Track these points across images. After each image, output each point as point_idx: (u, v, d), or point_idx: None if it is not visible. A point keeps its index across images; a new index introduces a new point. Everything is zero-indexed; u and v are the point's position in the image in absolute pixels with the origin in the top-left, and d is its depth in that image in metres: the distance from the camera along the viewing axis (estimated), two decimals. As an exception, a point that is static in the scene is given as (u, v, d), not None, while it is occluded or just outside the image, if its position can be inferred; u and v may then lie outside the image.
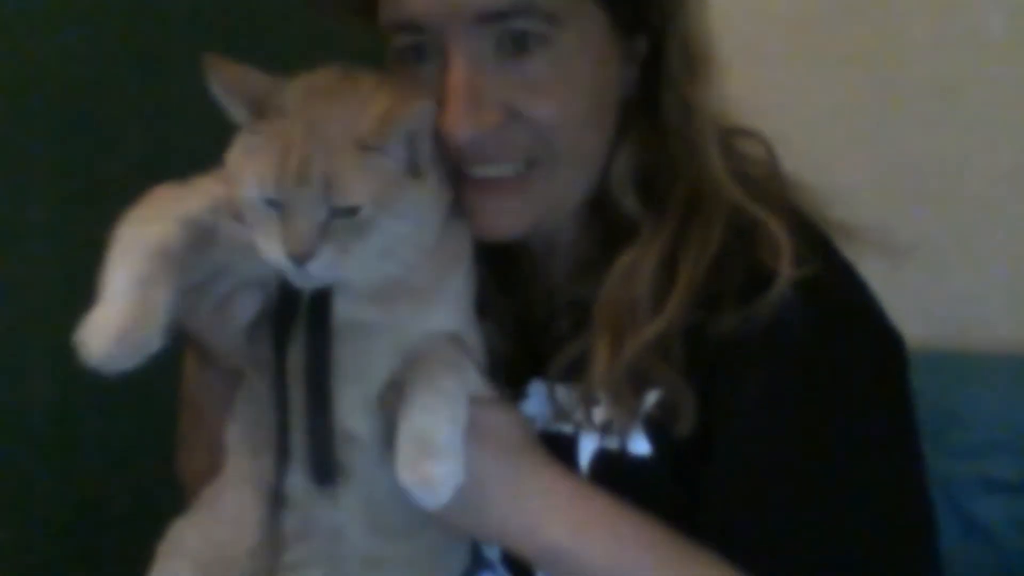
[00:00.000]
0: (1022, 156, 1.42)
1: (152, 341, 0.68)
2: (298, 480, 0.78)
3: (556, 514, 0.77)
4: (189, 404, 0.92)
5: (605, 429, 0.82)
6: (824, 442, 0.77)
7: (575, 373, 0.83)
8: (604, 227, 0.87)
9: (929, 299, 1.43)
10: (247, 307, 0.78)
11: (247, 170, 0.73)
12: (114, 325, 0.68)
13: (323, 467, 0.77)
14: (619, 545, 0.76)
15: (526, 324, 0.90)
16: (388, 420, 0.76)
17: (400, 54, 0.83)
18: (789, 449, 0.77)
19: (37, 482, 1.55)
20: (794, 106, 1.45)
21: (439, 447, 0.72)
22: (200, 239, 0.73)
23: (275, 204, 0.72)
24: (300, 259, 0.71)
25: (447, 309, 0.81)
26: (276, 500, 0.78)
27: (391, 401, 0.77)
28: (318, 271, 0.72)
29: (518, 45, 0.79)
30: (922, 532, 0.79)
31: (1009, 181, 1.43)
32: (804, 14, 1.53)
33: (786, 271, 0.77)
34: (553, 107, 0.80)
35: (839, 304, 0.80)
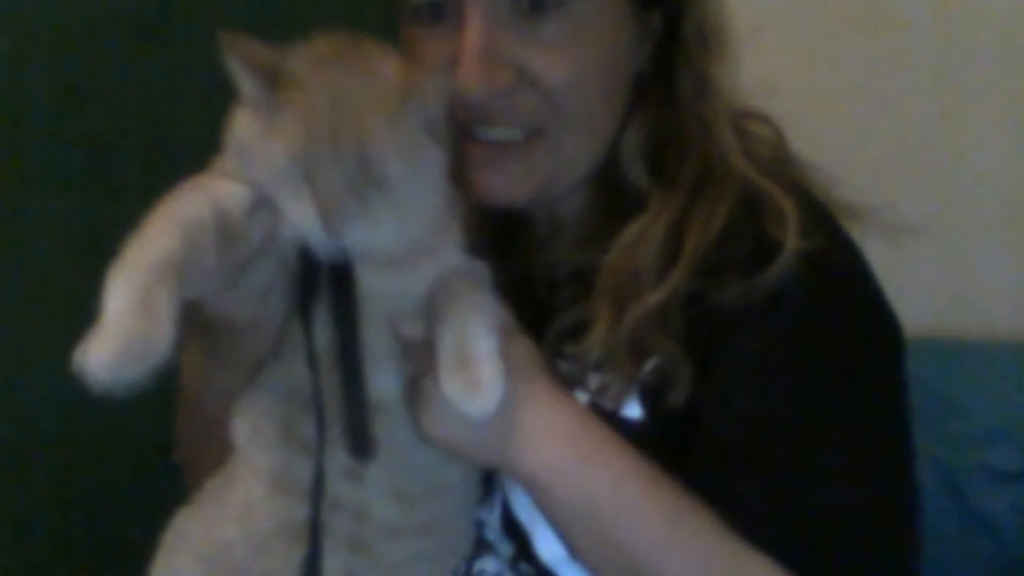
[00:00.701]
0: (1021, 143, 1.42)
1: (158, 350, 0.66)
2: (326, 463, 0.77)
3: (563, 436, 0.77)
4: (193, 406, 0.91)
5: (600, 393, 0.82)
6: (813, 406, 0.78)
7: (574, 339, 0.83)
8: (611, 200, 0.88)
9: (931, 287, 1.43)
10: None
11: (272, 142, 0.72)
12: (116, 338, 0.65)
13: (362, 441, 0.76)
14: (622, 473, 0.76)
15: (527, 295, 0.90)
16: (409, 355, 0.77)
17: (416, 13, 0.84)
18: (778, 411, 0.78)
19: (37, 480, 1.56)
20: (798, 92, 1.44)
21: (480, 354, 0.73)
22: (219, 235, 0.72)
23: (303, 174, 0.71)
24: (334, 226, 0.70)
25: (454, 249, 0.81)
26: (318, 486, 0.76)
27: (412, 332, 0.77)
28: (351, 238, 0.71)
29: (534, 7, 0.80)
30: (905, 504, 0.80)
31: (1012, 168, 1.42)
32: (808, 2, 1.53)
33: (792, 242, 0.78)
34: (564, 70, 0.81)
35: (840, 277, 0.81)
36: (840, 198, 0.87)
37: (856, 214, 0.86)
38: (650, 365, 0.81)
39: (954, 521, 1.26)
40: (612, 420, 0.80)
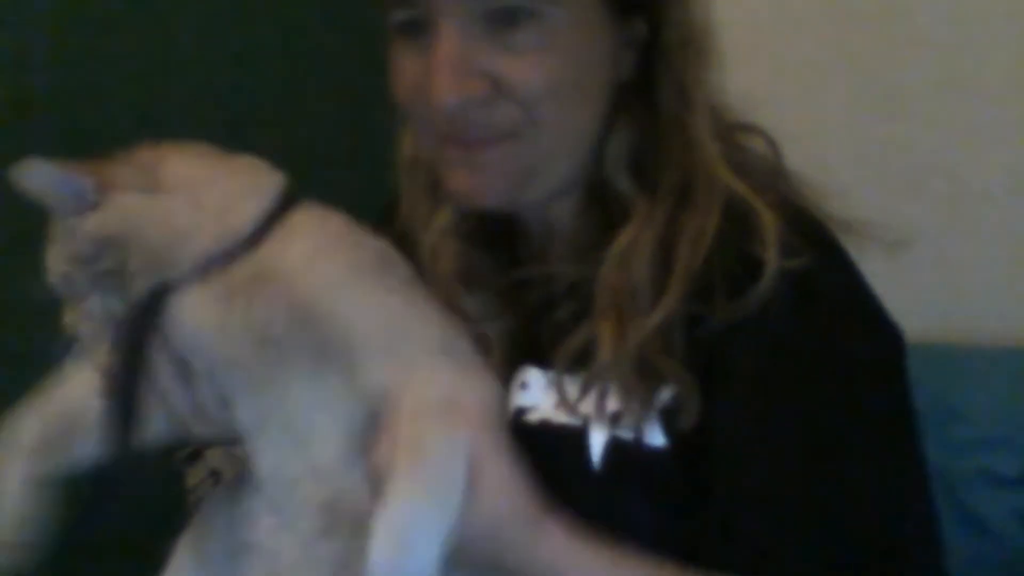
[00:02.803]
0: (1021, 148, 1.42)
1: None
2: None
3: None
4: None
5: (615, 420, 0.81)
6: (815, 430, 0.77)
7: (581, 362, 0.83)
8: (601, 210, 0.87)
9: (930, 293, 1.43)
10: None
11: None
12: None
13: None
14: None
15: (521, 306, 0.90)
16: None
17: (398, 29, 0.85)
18: (779, 437, 0.77)
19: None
20: (795, 101, 1.45)
21: (415, 546, 0.67)
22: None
23: None
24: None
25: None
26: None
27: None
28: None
29: (507, 17, 0.80)
30: (922, 520, 0.80)
31: (1010, 175, 1.43)
32: (807, 11, 1.53)
33: (773, 261, 0.78)
34: (538, 78, 0.81)
35: (831, 294, 0.80)
36: (834, 212, 0.86)
37: (850, 228, 0.85)
38: (668, 391, 0.80)
39: (953, 526, 1.26)
40: (635, 450, 0.80)
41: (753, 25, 1.45)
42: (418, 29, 0.83)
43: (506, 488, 0.73)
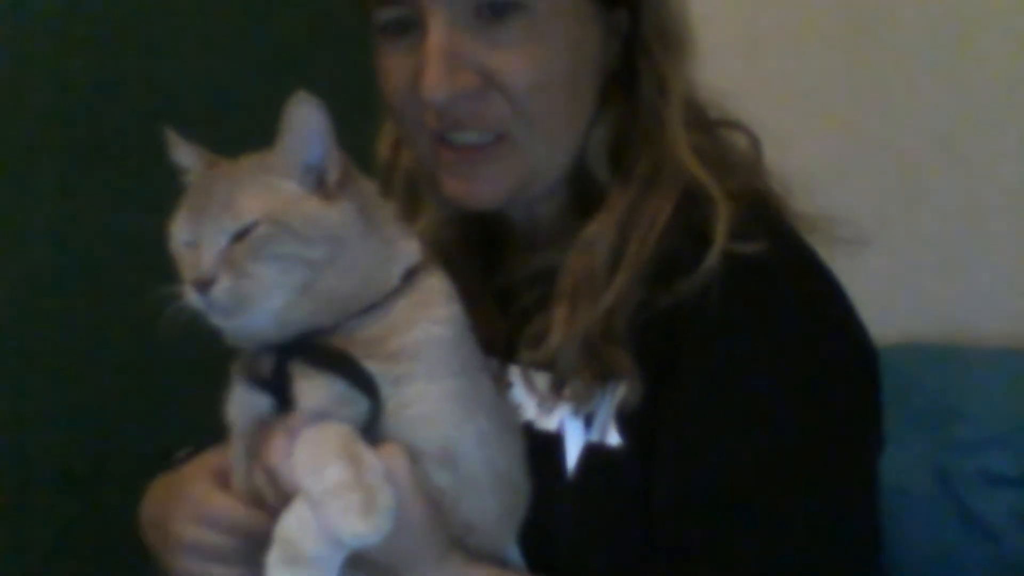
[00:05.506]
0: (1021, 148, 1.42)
1: None
2: None
3: None
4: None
5: (578, 402, 0.82)
6: (759, 445, 0.77)
7: (535, 345, 0.84)
8: (581, 200, 0.88)
9: (930, 292, 1.43)
10: None
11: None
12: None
13: None
14: None
15: (502, 308, 0.91)
16: None
17: (383, 29, 0.85)
18: (720, 431, 0.78)
19: (37, 481, 1.56)
20: (791, 98, 1.45)
21: (306, 560, 0.71)
22: None
23: (190, 245, 0.76)
24: (202, 286, 0.73)
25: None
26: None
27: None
28: (219, 292, 0.73)
29: (494, 10, 0.81)
30: (858, 531, 0.79)
31: (1011, 174, 1.42)
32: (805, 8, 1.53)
33: (720, 242, 0.78)
34: (526, 71, 0.82)
35: (783, 283, 0.80)
36: (800, 210, 0.87)
37: (815, 226, 0.86)
38: (621, 388, 0.81)
39: (952, 525, 1.26)
40: (600, 451, 0.81)
41: (739, 15, 1.45)
42: (404, 28, 0.83)
43: (417, 525, 0.75)
